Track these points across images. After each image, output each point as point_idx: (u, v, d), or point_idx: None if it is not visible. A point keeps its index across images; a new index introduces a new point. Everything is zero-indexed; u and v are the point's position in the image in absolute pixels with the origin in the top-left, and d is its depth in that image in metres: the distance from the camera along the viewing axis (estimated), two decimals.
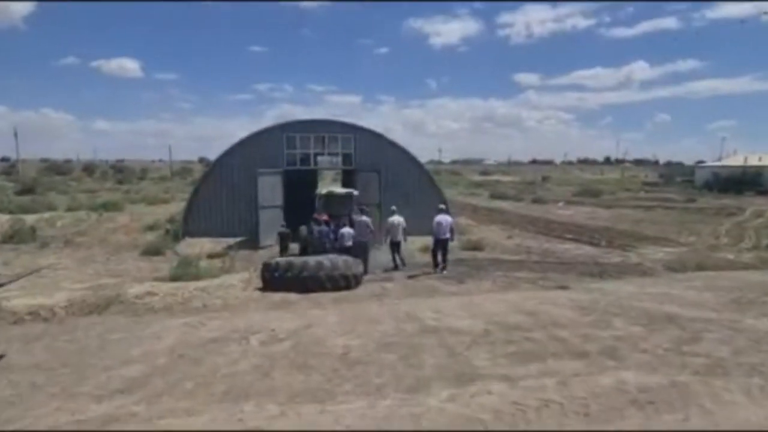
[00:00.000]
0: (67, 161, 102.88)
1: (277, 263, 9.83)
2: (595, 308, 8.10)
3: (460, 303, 8.58)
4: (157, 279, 11.61)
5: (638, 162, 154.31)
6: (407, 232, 14.28)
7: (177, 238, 20.23)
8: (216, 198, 21.02)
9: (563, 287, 10.76)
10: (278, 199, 19.99)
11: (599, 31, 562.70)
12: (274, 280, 9.62)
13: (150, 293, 8.23)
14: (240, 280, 10.13)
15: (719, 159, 64.79)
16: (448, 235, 12.78)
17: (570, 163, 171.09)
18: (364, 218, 13.78)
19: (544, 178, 76.29)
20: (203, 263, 16.02)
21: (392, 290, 10.38)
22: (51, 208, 32.36)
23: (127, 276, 14.73)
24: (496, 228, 26.20)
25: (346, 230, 14.36)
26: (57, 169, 75.28)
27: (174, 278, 10.60)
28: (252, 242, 19.61)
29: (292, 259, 10.02)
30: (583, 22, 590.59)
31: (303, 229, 16.89)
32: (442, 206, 13.74)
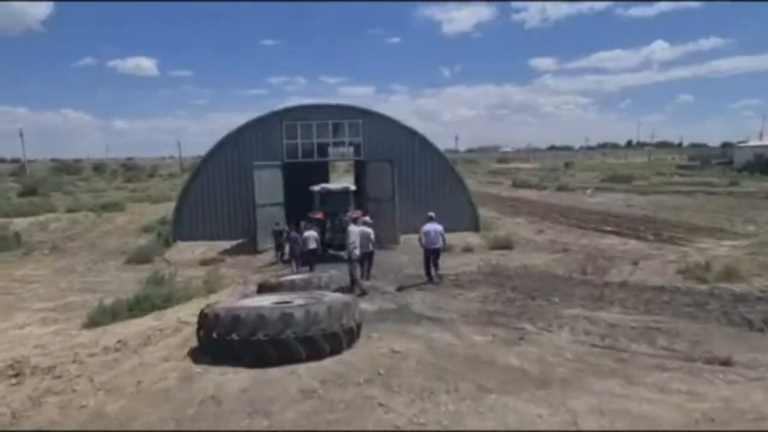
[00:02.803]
0: (77, 161, 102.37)
1: (216, 316, 5.64)
2: None
3: None
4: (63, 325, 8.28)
5: (660, 144, 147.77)
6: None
7: (168, 242, 18.19)
8: (209, 197, 18.82)
9: (724, 362, 5.87)
10: (278, 195, 17.74)
11: (617, 11, 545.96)
12: (213, 344, 5.65)
13: (12, 367, 5.49)
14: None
15: (760, 137, 60.44)
16: (438, 245, 11.34)
17: (590, 148, 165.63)
18: (366, 229, 11.97)
19: (567, 164, 72.84)
20: (190, 273, 13.98)
21: (406, 362, 5.67)
22: (51, 209, 30.90)
23: (102, 291, 12.81)
24: (523, 220, 23.70)
25: (310, 233, 13.48)
26: (67, 169, 74.56)
27: (136, 301, 8.49)
28: (251, 245, 17.48)
29: (239, 308, 5.86)
30: (600, 3, 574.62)
31: (302, 225, 15.09)
32: (431, 214, 12.00)
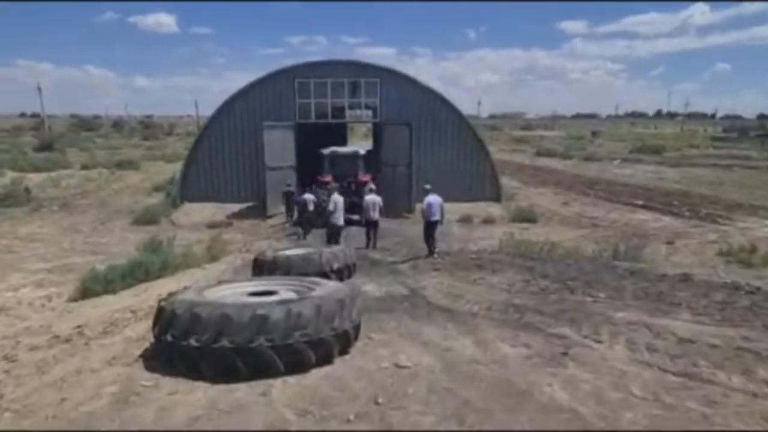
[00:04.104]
0: (97, 117, 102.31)
1: (174, 313, 4.25)
2: None
3: None
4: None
5: (691, 115, 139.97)
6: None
7: (176, 203, 17.61)
8: (218, 157, 18.01)
9: None
10: (290, 158, 16.85)
11: None
12: (167, 348, 4.27)
13: None
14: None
15: None
16: (438, 217, 10.98)
17: (618, 117, 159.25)
18: (374, 197, 11.88)
19: (594, 133, 70.03)
20: (195, 237, 13.39)
21: (414, 385, 4.05)
22: (66, 166, 30.67)
23: (104, 253, 12.34)
24: (548, 191, 22.53)
25: (307, 196, 13.43)
26: (86, 125, 74.49)
27: (130, 269, 7.86)
28: (261, 208, 16.79)
29: (202, 304, 4.34)
30: None
31: (312, 188, 14.84)
32: (428, 186, 11.49)
